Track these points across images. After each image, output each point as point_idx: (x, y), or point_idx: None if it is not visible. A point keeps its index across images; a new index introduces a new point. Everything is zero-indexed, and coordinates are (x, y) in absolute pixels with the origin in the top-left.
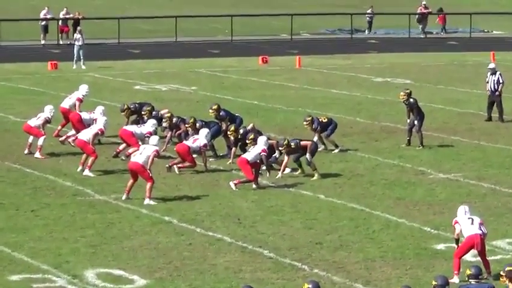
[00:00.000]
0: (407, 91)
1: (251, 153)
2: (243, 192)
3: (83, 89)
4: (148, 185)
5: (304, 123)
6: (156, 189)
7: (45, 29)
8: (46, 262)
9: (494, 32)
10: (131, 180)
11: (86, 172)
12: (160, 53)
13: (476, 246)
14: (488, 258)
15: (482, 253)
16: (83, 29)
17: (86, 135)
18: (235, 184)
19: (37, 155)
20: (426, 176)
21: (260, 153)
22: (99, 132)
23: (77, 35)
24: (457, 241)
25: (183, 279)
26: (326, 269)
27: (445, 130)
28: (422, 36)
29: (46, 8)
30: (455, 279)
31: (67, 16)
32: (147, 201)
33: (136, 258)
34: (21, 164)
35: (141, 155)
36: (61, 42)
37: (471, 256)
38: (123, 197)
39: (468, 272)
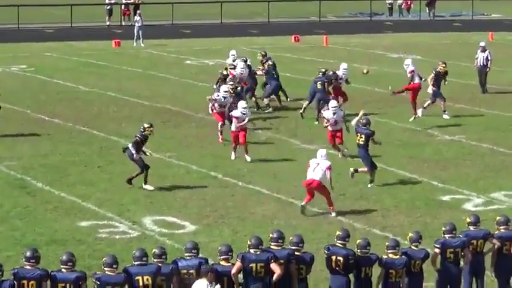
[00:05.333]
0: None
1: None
2: (279, 153)
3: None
4: None
5: None
6: (204, 149)
7: (110, 12)
8: (110, 210)
9: (492, 15)
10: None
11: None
12: (208, 32)
13: (308, 188)
14: (487, 208)
15: (312, 193)
16: (142, 12)
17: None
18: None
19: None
20: (434, 137)
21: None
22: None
23: (136, 17)
24: None
25: (227, 225)
26: (348, 216)
27: (451, 99)
28: (430, 19)
29: None
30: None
31: (128, 1)
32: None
33: (187, 207)
34: (90, 127)
35: None
36: (123, 24)
37: (472, 206)
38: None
39: (468, 219)
